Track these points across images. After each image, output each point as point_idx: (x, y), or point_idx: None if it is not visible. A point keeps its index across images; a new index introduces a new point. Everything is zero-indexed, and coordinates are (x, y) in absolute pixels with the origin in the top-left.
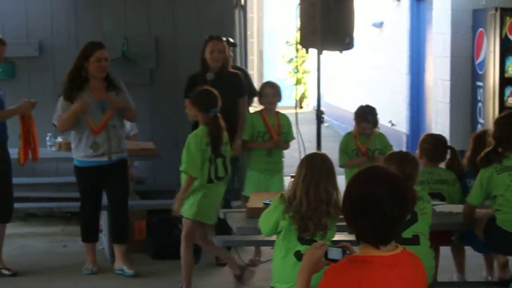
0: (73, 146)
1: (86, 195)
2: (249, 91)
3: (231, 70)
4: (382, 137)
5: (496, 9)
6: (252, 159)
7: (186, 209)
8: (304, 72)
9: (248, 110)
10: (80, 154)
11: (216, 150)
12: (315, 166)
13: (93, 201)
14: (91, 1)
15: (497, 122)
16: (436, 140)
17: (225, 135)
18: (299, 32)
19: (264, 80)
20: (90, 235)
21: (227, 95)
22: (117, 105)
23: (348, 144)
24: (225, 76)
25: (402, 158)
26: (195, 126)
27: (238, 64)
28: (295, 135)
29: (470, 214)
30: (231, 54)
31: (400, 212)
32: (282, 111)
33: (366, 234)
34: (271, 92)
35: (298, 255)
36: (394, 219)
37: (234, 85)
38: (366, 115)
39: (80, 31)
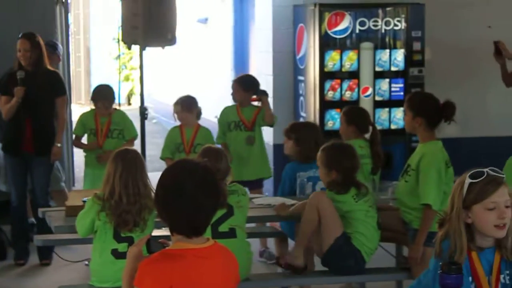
0: None
1: None
2: None
3: (49, 68)
4: (207, 132)
5: (315, 5)
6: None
7: None
8: (132, 69)
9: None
10: None
11: None
12: (130, 160)
13: None
14: None
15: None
16: None
17: None
18: (121, 28)
19: (92, 78)
20: None
21: (40, 94)
22: None
23: (173, 138)
24: (40, 75)
25: (216, 154)
26: None
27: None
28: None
29: None
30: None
31: (212, 201)
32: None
33: (178, 224)
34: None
35: (115, 253)
36: (205, 208)
37: (50, 83)
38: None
39: None
